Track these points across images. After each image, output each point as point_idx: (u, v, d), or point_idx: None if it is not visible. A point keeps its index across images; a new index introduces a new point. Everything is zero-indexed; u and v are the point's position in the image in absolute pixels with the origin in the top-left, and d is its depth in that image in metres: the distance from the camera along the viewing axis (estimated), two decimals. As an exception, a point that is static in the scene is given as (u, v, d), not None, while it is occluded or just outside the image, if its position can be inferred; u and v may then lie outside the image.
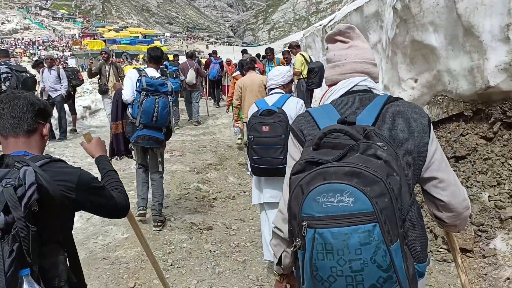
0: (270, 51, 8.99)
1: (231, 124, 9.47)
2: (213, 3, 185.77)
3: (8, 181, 1.16)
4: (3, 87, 6.79)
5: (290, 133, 1.29)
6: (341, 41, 1.36)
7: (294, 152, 1.26)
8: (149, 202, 4.23)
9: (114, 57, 37.51)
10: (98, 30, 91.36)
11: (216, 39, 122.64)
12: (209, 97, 13.05)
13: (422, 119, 1.18)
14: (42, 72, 7.70)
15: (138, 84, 3.73)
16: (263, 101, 3.10)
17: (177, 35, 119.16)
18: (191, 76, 9.34)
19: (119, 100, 3.93)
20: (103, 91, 8.26)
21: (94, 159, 1.78)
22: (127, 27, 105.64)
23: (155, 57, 4.04)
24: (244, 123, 5.74)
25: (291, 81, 3.35)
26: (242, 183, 5.58)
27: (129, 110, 3.84)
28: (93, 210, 1.49)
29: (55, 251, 1.30)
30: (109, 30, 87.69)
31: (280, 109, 2.88)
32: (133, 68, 4.31)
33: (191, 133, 8.58)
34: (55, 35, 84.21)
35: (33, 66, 8.57)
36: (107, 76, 8.14)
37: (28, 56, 52.82)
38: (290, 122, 2.70)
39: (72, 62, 37.77)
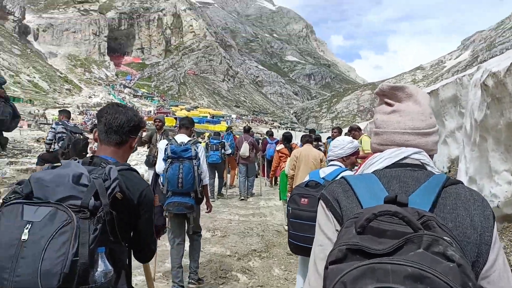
0: (337, 130, 8.30)
1: (283, 206, 8.78)
2: (280, 91, 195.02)
3: (96, 175, 1.41)
4: (56, 146, 6.86)
5: (321, 201, 1.06)
6: (386, 102, 1.16)
7: (326, 226, 1.03)
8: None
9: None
10: (171, 108, 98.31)
11: (280, 124, 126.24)
12: (264, 177, 12.67)
13: (486, 213, 0.94)
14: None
15: (165, 153, 3.87)
16: (316, 172, 2.94)
17: (243, 117, 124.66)
18: (244, 149, 9.49)
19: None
20: (150, 163, 7.18)
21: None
22: (198, 107, 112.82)
23: (182, 125, 4.33)
24: None
25: (354, 154, 2.99)
26: (289, 278, 4.73)
27: (160, 179, 3.96)
28: (139, 225, 1.60)
29: (121, 241, 1.51)
30: (181, 109, 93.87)
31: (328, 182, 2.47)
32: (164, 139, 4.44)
33: (240, 213, 7.96)
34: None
35: (91, 130, 8.74)
36: (157, 146, 7.13)
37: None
38: None
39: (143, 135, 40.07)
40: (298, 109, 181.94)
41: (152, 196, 1.66)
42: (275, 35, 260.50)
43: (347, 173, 2.76)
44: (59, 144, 6.84)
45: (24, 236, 1.22)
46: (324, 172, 2.95)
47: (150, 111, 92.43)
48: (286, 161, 7.23)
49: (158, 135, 7.20)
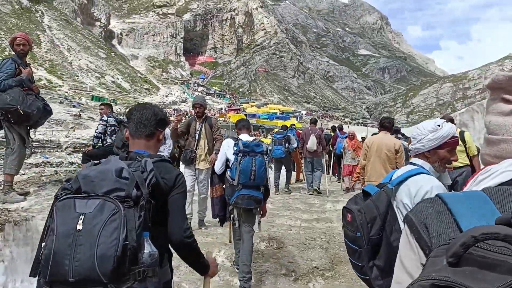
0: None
1: (354, 211, 7.68)
2: (351, 85, 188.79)
3: (134, 168, 1.57)
4: (109, 140, 6.49)
5: (406, 226, 0.83)
6: (503, 99, 0.89)
7: (408, 257, 0.81)
8: None
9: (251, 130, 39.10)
10: (242, 105, 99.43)
11: (351, 119, 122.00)
12: (332, 175, 11.76)
13: None
14: None
15: (235, 148, 3.90)
16: (391, 173, 2.17)
17: (313, 113, 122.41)
18: (312, 143, 9.10)
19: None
20: (187, 159, 5.72)
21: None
22: (268, 103, 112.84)
23: (243, 126, 4.38)
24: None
25: (444, 145, 1.98)
26: (359, 308, 3.74)
27: (228, 173, 4.00)
28: (174, 209, 1.73)
29: (161, 226, 1.66)
30: (252, 106, 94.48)
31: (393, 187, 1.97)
32: (229, 138, 4.49)
33: (302, 217, 7.01)
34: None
35: None
36: (197, 138, 5.70)
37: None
38: (401, 215, 1.93)
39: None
40: (371, 104, 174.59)
41: (185, 181, 1.81)
42: (347, 29, 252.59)
43: (419, 177, 1.91)
44: (112, 138, 6.47)
45: (79, 226, 1.38)
46: (398, 173, 2.09)
47: (221, 108, 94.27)
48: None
49: (197, 123, 5.80)
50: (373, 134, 7.51)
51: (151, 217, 1.53)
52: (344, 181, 10.39)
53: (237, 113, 75.20)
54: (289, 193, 9.78)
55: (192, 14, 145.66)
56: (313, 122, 10.12)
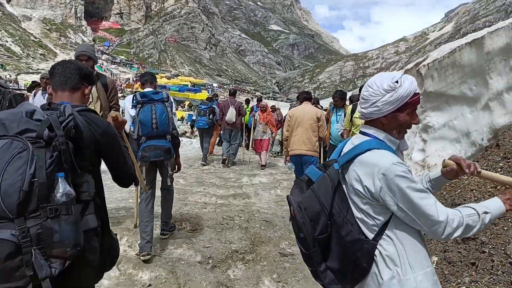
0: (339, 96, 6.39)
1: (271, 184, 7.33)
2: (263, 60, 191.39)
3: (50, 112, 1.56)
4: None
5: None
6: None
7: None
8: None
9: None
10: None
11: (262, 93, 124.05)
12: (249, 149, 11.39)
13: None
14: (35, 95, 5.90)
15: (133, 101, 3.66)
16: (342, 144, 1.72)
17: (224, 86, 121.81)
18: (231, 114, 8.99)
19: None
20: None
21: None
22: (179, 75, 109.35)
23: (146, 80, 3.92)
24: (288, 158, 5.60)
25: (403, 108, 1.54)
26: (284, 294, 3.34)
27: (131, 129, 3.71)
28: (111, 159, 1.79)
29: (85, 174, 1.60)
30: (161, 77, 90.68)
31: (331, 171, 1.57)
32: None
33: (218, 193, 6.46)
34: (112, 78, 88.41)
35: (29, 89, 7.01)
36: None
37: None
38: (355, 204, 1.54)
39: (121, 103, 38.19)
40: (281, 79, 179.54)
41: (115, 131, 1.79)
42: (259, 3, 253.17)
43: (370, 154, 1.48)
44: None
45: None
46: (348, 144, 1.65)
47: (129, 79, 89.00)
48: None
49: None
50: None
51: (72, 161, 1.49)
52: (261, 159, 9.52)
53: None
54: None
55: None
56: (232, 93, 9.97)
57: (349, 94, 7.31)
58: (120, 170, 1.84)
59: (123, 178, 1.88)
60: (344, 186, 1.54)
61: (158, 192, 3.99)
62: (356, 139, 1.61)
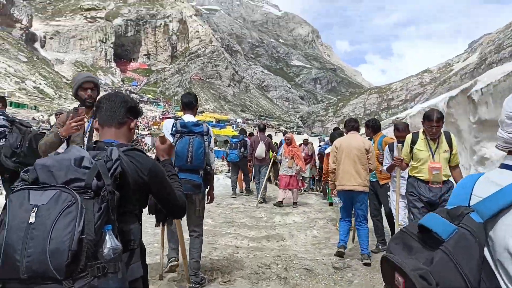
0: (372, 125, 5.68)
1: (306, 224, 6.78)
2: (286, 95, 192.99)
3: (98, 158, 1.48)
4: None
5: None
6: None
7: None
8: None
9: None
10: (176, 113, 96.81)
11: (286, 128, 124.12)
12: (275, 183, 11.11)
13: None
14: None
15: (173, 128, 3.58)
16: (467, 184, 1.12)
17: (249, 121, 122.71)
18: (260, 150, 8.92)
19: None
20: None
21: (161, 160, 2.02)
22: (203, 112, 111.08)
23: (187, 103, 3.86)
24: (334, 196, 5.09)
25: None
26: None
27: None
28: (160, 197, 1.72)
29: (132, 220, 1.56)
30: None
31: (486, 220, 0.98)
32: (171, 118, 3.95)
33: (250, 235, 5.97)
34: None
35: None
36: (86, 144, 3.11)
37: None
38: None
39: (148, 140, 38.78)
40: (304, 113, 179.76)
41: (161, 169, 1.72)
42: (281, 40, 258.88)
43: None
44: (2, 141, 4.79)
45: (32, 219, 1.28)
46: (485, 184, 1.08)
47: (155, 116, 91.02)
48: None
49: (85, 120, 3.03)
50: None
51: (117, 208, 1.43)
52: (280, 195, 8.90)
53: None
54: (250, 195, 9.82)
55: (124, 19, 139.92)
56: (262, 129, 9.88)
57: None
58: (171, 205, 1.76)
59: (176, 212, 1.81)
60: (489, 250, 0.97)
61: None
62: (498, 176, 1.06)
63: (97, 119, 1.76)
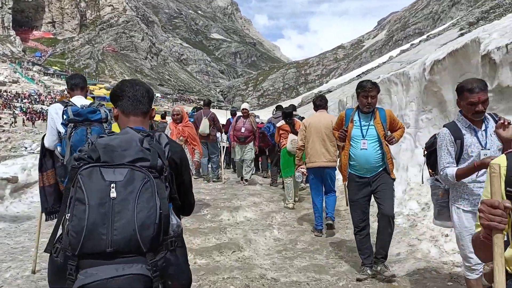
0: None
1: (262, 221, 5.68)
2: (206, 69, 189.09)
3: (150, 142, 1.50)
4: None
5: None
6: None
7: None
8: None
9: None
10: (89, 87, 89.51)
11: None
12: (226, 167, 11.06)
13: None
14: None
15: (64, 116, 3.13)
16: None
17: (168, 96, 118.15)
18: (204, 125, 8.39)
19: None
20: None
21: None
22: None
23: (76, 84, 3.41)
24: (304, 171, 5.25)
25: None
26: None
27: (58, 149, 3.25)
28: (183, 186, 1.69)
29: (175, 201, 1.58)
30: (100, 88, 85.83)
31: None
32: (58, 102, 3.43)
33: (194, 243, 4.67)
34: (44, 90, 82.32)
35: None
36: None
37: (9, 108, 53.99)
38: None
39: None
40: (225, 88, 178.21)
41: (186, 155, 1.73)
42: (199, 12, 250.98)
43: None
44: None
45: (113, 194, 1.31)
46: None
47: (63, 90, 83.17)
48: (287, 138, 6.45)
49: None
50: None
51: (171, 189, 1.50)
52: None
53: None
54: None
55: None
56: (207, 104, 9.31)
57: (294, 101, 6.63)
58: (188, 197, 1.74)
59: (191, 207, 1.79)
60: None
61: None
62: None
63: (119, 106, 1.68)
